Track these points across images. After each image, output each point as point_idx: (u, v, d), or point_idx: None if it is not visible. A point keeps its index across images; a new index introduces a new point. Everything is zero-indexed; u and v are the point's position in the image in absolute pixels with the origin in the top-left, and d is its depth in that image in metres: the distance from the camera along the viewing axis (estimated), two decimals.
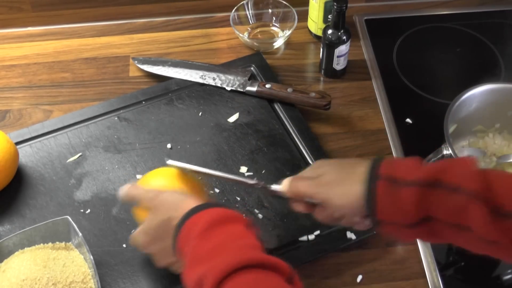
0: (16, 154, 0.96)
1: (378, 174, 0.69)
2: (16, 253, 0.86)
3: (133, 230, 0.81)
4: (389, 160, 0.71)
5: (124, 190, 0.80)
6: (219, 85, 1.10)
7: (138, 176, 0.97)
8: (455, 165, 0.68)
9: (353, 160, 0.77)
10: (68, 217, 0.87)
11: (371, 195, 0.69)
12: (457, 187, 0.65)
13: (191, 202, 0.73)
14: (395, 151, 1.02)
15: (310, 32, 1.21)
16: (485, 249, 0.67)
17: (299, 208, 0.78)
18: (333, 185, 0.73)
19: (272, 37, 1.22)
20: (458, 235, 0.67)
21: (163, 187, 0.80)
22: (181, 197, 0.75)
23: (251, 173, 0.98)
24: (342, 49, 1.09)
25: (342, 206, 0.73)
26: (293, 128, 1.03)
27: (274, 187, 0.81)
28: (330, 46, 1.09)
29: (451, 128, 0.94)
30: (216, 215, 0.69)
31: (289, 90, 1.06)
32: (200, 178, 0.87)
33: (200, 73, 1.12)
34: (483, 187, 0.64)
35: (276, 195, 0.81)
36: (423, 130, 1.05)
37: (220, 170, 0.97)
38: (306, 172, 0.79)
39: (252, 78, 1.11)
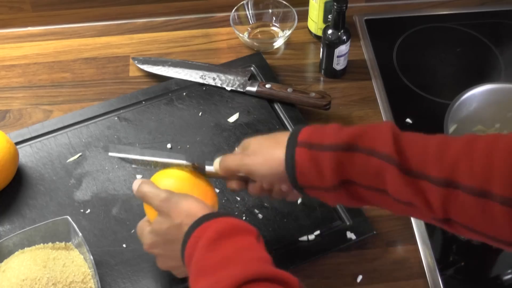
0: (16, 154, 0.96)
1: (297, 141, 0.71)
2: (16, 253, 0.86)
3: (139, 223, 0.81)
4: (309, 127, 0.73)
5: (136, 185, 0.79)
6: (219, 85, 1.10)
7: (138, 176, 0.97)
8: (370, 129, 0.69)
9: (277, 132, 0.79)
10: (68, 217, 0.87)
11: (290, 161, 0.71)
12: (372, 151, 0.67)
13: (203, 209, 0.72)
14: None
15: (310, 32, 1.21)
16: (403, 210, 0.69)
17: (232, 185, 0.80)
18: (257, 154, 0.76)
19: (272, 37, 1.22)
20: (376, 197, 0.69)
21: (175, 188, 0.78)
22: (193, 203, 0.74)
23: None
24: (342, 49, 1.09)
25: (266, 174, 0.75)
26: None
27: (208, 168, 0.81)
28: (330, 46, 1.09)
29: (451, 128, 0.94)
30: (226, 225, 0.69)
31: (289, 90, 1.06)
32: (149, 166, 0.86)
33: (200, 73, 1.12)
34: (396, 150, 0.66)
35: (211, 176, 0.82)
36: (423, 130, 1.03)
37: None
38: (236, 150, 0.81)
39: (252, 78, 1.11)
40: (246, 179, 0.79)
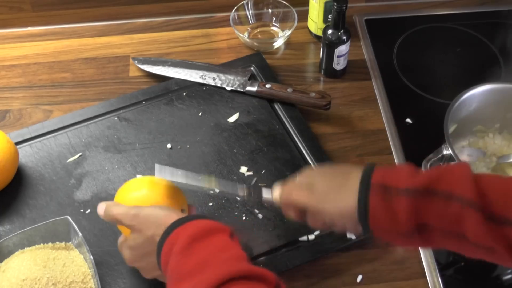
0: (16, 154, 0.96)
1: (370, 183, 0.69)
2: (16, 253, 0.86)
3: (119, 239, 0.81)
4: (382, 168, 0.70)
5: (102, 210, 0.79)
6: (219, 85, 1.10)
7: (138, 176, 0.97)
8: (448, 173, 0.67)
9: (344, 167, 0.76)
10: (68, 217, 0.87)
11: (363, 205, 0.68)
12: (451, 195, 0.65)
13: (172, 216, 0.72)
14: (395, 151, 1.02)
15: (310, 32, 1.21)
16: (481, 255, 0.67)
17: (291, 215, 0.78)
18: (326, 195, 0.73)
19: (272, 37, 1.22)
20: (454, 242, 0.67)
21: (142, 201, 0.79)
22: (162, 212, 0.74)
23: (251, 173, 0.98)
24: (342, 49, 1.09)
25: (335, 218, 0.72)
26: (293, 128, 1.03)
27: (265, 195, 0.80)
28: (330, 46, 1.09)
29: (451, 128, 0.94)
30: (197, 229, 0.69)
31: (289, 90, 1.06)
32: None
33: (200, 73, 1.12)
34: (477, 194, 0.64)
35: (268, 203, 0.81)
36: (423, 130, 1.05)
37: (220, 171, 0.98)
38: (298, 179, 0.78)
39: (252, 78, 1.11)
40: (305, 210, 0.76)
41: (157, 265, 0.72)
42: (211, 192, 0.94)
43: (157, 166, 0.81)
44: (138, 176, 0.97)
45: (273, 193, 0.79)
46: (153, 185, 0.82)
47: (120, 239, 0.82)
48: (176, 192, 0.82)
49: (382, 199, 0.67)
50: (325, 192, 0.73)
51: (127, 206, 0.77)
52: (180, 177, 0.81)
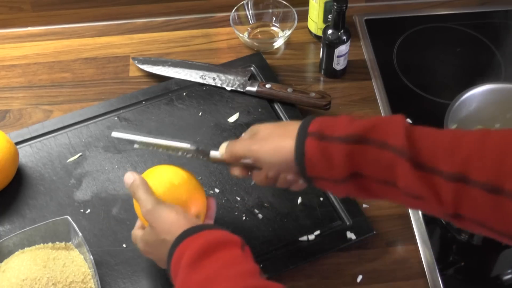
0: (16, 154, 0.96)
1: (308, 131, 0.71)
2: (16, 253, 0.86)
3: (135, 225, 0.81)
4: (321, 118, 0.73)
5: (130, 180, 0.79)
6: (219, 85, 1.10)
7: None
8: (383, 122, 0.69)
9: (287, 121, 0.78)
10: (68, 217, 0.87)
11: (300, 151, 0.70)
12: (384, 144, 0.67)
13: (183, 225, 0.72)
14: None
15: (310, 32, 1.21)
16: (412, 204, 0.70)
17: (236, 172, 0.80)
18: (266, 142, 0.75)
19: (272, 37, 1.22)
20: (386, 190, 0.69)
21: (163, 190, 0.79)
22: (176, 218, 0.73)
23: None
24: (342, 49, 1.09)
25: (274, 162, 0.74)
26: None
27: (213, 152, 0.81)
28: (330, 46, 1.09)
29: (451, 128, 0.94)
30: (207, 241, 0.68)
31: (289, 90, 1.06)
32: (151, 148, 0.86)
33: (200, 73, 1.12)
34: (407, 143, 0.65)
35: (216, 161, 0.82)
36: None
37: (220, 171, 0.98)
38: (243, 135, 0.81)
39: (252, 78, 1.11)
40: (250, 167, 0.79)
41: (168, 272, 0.71)
42: (211, 192, 0.94)
43: (114, 132, 0.83)
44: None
45: (219, 149, 0.80)
46: (180, 179, 0.81)
47: (134, 230, 0.81)
48: (198, 192, 0.82)
49: (318, 145, 0.70)
50: (265, 140, 0.75)
51: (148, 195, 0.76)
52: (136, 137, 0.84)
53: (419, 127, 0.68)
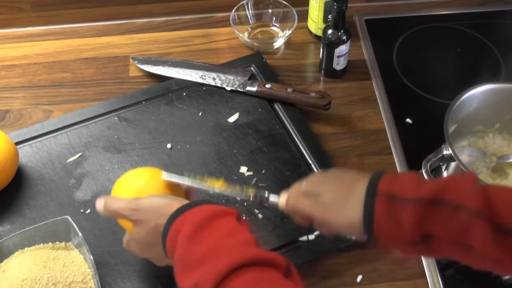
0: (16, 154, 0.96)
1: (376, 192, 0.68)
2: (16, 253, 0.86)
3: (123, 238, 0.81)
4: (388, 176, 0.70)
5: (101, 205, 0.78)
6: (219, 85, 1.10)
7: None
8: (455, 182, 0.67)
9: (352, 174, 0.74)
10: (68, 217, 0.87)
11: (369, 215, 0.68)
12: (458, 205, 0.64)
13: (174, 205, 0.72)
14: (395, 151, 1.02)
15: (310, 32, 1.21)
16: (488, 266, 0.67)
17: (298, 220, 0.78)
18: (331, 206, 0.72)
19: (272, 37, 1.22)
20: (460, 252, 0.66)
21: (140, 191, 0.79)
22: (162, 201, 0.74)
23: (251, 173, 0.98)
24: (342, 49, 1.09)
25: (341, 227, 0.72)
26: (293, 128, 1.03)
27: (272, 199, 0.80)
28: (330, 46, 1.09)
29: (451, 128, 0.94)
30: (203, 214, 0.68)
31: (289, 90, 1.06)
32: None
33: (200, 73, 1.12)
34: (485, 205, 0.63)
35: (272, 208, 0.81)
36: (423, 130, 1.05)
37: (220, 171, 0.98)
38: (303, 187, 0.77)
39: (252, 78, 1.11)
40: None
41: (164, 255, 0.71)
42: (211, 192, 0.94)
43: (164, 173, 0.81)
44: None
45: (280, 200, 0.79)
46: (150, 175, 0.81)
47: (125, 237, 0.81)
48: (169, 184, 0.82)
49: (388, 208, 0.67)
50: (330, 202, 0.72)
51: (127, 199, 0.77)
52: (187, 180, 0.81)
53: (493, 185, 0.67)
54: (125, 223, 0.80)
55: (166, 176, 0.81)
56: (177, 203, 0.72)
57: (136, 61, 1.15)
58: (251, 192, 0.81)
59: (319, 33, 1.17)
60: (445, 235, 0.65)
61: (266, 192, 0.81)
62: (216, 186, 0.82)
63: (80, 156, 1.00)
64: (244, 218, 0.70)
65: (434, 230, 0.66)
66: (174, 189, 0.81)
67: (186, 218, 0.69)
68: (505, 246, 0.62)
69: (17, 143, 1.00)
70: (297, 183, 0.78)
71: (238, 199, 0.93)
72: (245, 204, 0.94)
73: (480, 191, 0.64)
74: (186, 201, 0.73)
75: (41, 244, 0.87)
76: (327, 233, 0.76)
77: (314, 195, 0.74)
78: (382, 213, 0.67)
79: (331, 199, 0.72)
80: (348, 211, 0.70)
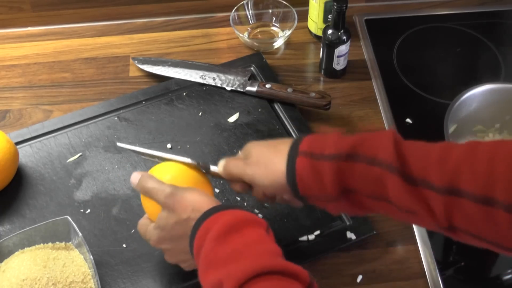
0: (16, 154, 0.96)
1: (298, 151, 0.71)
2: (16, 253, 0.86)
3: (140, 221, 0.80)
4: (310, 137, 0.73)
5: (136, 179, 0.78)
6: (219, 85, 1.10)
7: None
8: (371, 137, 0.69)
9: (279, 140, 0.78)
10: (68, 217, 0.87)
11: (291, 171, 0.71)
12: (373, 159, 0.67)
13: (209, 203, 0.72)
14: None
15: (310, 32, 1.21)
16: (406, 218, 0.69)
17: (236, 188, 0.80)
18: (259, 165, 0.76)
19: (272, 37, 1.22)
20: (379, 205, 0.69)
21: (176, 182, 0.78)
22: (199, 197, 0.74)
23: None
24: (342, 49, 1.09)
25: (268, 185, 0.75)
26: (293, 128, 1.03)
27: (212, 168, 0.82)
28: (330, 46, 1.09)
29: (451, 128, 0.94)
30: (235, 218, 0.68)
31: (289, 90, 1.06)
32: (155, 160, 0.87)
33: (200, 73, 1.12)
34: (396, 158, 0.65)
35: (215, 176, 0.82)
36: (423, 130, 1.05)
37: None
38: (239, 154, 0.81)
39: (252, 78, 1.11)
40: (250, 183, 0.79)
41: (188, 249, 0.71)
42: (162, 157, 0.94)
43: (118, 143, 0.85)
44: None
45: (218, 167, 0.81)
46: (187, 171, 0.81)
47: (142, 220, 0.80)
48: (208, 182, 0.82)
49: (308, 164, 0.70)
50: (258, 162, 0.76)
51: (165, 183, 0.76)
52: (140, 148, 0.86)
53: (409, 141, 0.69)
54: (149, 205, 0.78)
55: (120, 144, 0.85)
56: (213, 202, 0.73)
57: (136, 61, 1.15)
58: (195, 161, 0.82)
59: (319, 33, 1.17)
60: (363, 189, 0.68)
61: (208, 163, 0.83)
62: (166, 157, 0.83)
63: (80, 156, 1.01)
64: (271, 231, 0.71)
65: (352, 184, 0.69)
66: (206, 187, 0.81)
67: (219, 218, 0.69)
68: (416, 197, 0.65)
69: (17, 143, 1.00)
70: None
71: (238, 199, 0.94)
72: (238, 199, 0.94)
73: (393, 145, 0.66)
74: (220, 203, 0.74)
75: (41, 244, 0.87)
76: (262, 197, 0.78)
77: (245, 158, 0.78)
78: (303, 170, 0.70)
79: (257, 158, 0.76)
80: (272, 168, 0.74)
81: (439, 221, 0.65)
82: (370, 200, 0.69)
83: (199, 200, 0.73)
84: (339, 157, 0.68)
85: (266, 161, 0.75)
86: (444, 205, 0.63)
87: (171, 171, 0.80)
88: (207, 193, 0.80)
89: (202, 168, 0.82)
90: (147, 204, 0.79)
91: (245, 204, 0.94)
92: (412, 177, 0.65)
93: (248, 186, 0.79)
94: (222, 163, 0.80)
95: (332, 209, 0.74)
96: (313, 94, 1.06)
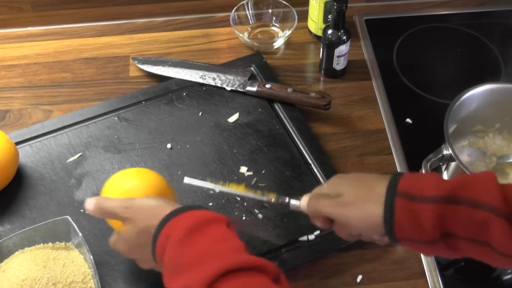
0: (16, 154, 0.96)
1: (396, 191, 0.68)
2: (16, 253, 0.86)
3: (110, 237, 0.80)
4: (408, 176, 0.70)
5: (91, 205, 0.77)
6: (219, 85, 1.10)
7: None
8: (473, 180, 0.67)
9: (371, 176, 0.75)
10: (68, 217, 0.87)
11: (389, 214, 0.68)
12: (476, 202, 0.65)
13: (166, 208, 0.72)
14: (395, 151, 1.02)
15: (310, 32, 1.21)
16: (506, 264, 0.67)
17: (318, 223, 0.78)
18: (352, 206, 0.72)
19: (272, 37, 1.22)
20: (479, 250, 0.67)
21: (131, 191, 0.79)
22: (156, 202, 0.74)
23: (251, 173, 0.98)
24: (342, 49, 1.09)
25: (361, 228, 0.73)
26: (293, 128, 1.03)
27: (293, 203, 0.80)
28: (330, 46, 1.09)
29: (451, 128, 0.94)
30: (194, 219, 0.68)
31: (289, 90, 1.06)
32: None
33: (200, 73, 1.12)
34: (502, 202, 0.63)
35: (295, 210, 0.81)
36: (423, 130, 1.05)
37: (220, 171, 0.98)
38: (324, 189, 0.78)
39: (252, 78, 1.11)
40: (340, 223, 0.76)
41: (152, 257, 0.72)
42: (211, 192, 0.94)
43: (186, 178, 0.83)
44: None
45: (301, 202, 0.79)
46: (140, 176, 0.82)
47: (113, 236, 0.80)
48: (163, 183, 0.83)
49: (408, 208, 0.67)
50: (351, 202, 0.72)
51: (119, 199, 0.77)
52: (210, 185, 0.83)
53: (509, 184, 0.67)
54: (114, 223, 0.80)
55: (187, 180, 0.82)
56: (170, 206, 0.72)
57: (136, 61, 1.15)
58: (272, 197, 0.81)
59: (319, 33, 1.17)
60: (464, 233, 0.66)
61: (287, 198, 0.81)
62: (239, 190, 0.83)
63: (80, 156, 1.00)
64: (232, 225, 0.70)
65: (453, 228, 0.66)
66: (163, 191, 0.82)
67: (178, 222, 0.69)
68: None
69: (17, 143, 1.00)
70: (318, 187, 0.79)
71: (238, 199, 0.94)
72: (245, 204, 0.94)
73: (498, 188, 0.64)
74: (178, 205, 0.73)
75: (41, 244, 0.87)
76: (347, 236, 0.76)
77: (335, 196, 0.74)
78: (402, 212, 0.67)
79: (351, 199, 0.73)
80: (368, 211, 0.70)
81: None
82: (468, 244, 0.67)
83: (155, 205, 0.73)
84: (441, 200, 0.66)
85: (361, 203, 0.71)
86: None
87: (128, 181, 0.82)
88: (168, 197, 0.81)
89: (280, 204, 0.81)
90: (112, 222, 0.81)
91: (245, 204, 0.94)
92: None
93: (332, 222, 0.76)
94: (306, 199, 0.78)
95: (427, 251, 0.72)
96: (313, 94, 1.06)
